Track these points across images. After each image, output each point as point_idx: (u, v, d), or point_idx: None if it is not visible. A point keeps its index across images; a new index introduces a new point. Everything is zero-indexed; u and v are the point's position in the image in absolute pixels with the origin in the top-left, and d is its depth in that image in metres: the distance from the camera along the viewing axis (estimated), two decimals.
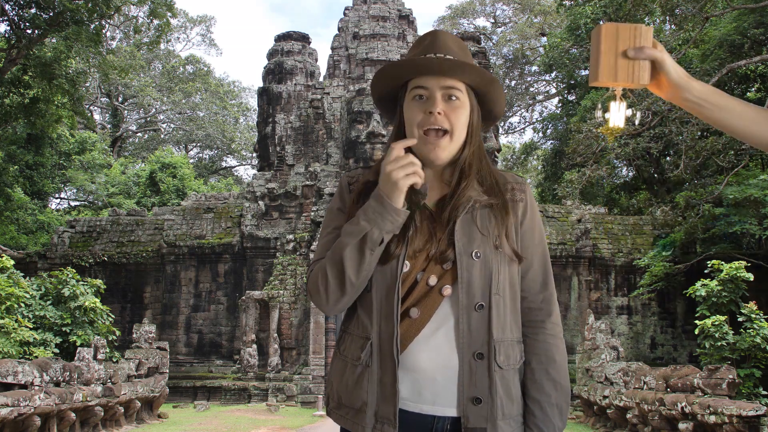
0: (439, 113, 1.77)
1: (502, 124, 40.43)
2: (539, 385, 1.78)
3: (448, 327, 1.74)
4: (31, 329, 12.31)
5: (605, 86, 1.62)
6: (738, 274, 12.34)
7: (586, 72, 28.03)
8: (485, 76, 1.82)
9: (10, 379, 8.29)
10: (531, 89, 42.53)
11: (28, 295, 12.91)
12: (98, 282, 14.73)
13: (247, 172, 46.93)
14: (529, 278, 1.85)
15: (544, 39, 36.24)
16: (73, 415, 9.45)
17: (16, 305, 12.30)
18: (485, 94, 1.87)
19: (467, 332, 1.72)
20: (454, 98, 1.80)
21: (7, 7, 17.24)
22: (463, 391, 1.71)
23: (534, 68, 40.35)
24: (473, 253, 1.74)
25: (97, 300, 13.84)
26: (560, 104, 34.78)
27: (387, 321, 1.73)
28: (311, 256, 18.39)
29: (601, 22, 22.97)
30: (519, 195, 1.85)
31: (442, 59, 1.77)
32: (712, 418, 8.44)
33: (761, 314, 11.54)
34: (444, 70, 1.78)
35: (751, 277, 12.38)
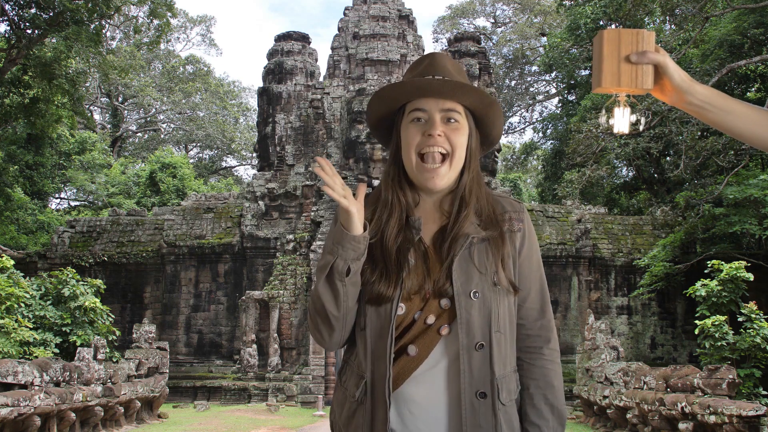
0: (439, 135, 1.76)
1: None
2: (539, 411, 1.80)
3: (444, 365, 1.75)
4: (31, 329, 12.31)
5: (609, 92, 1.61)
6: (738, 274, 12.33)
7: (586, 72, 28.03)
8: (485, 99, 1.81)
9: (10, 379, 8.29)
10: (531, 89, 42.55)
11: (28, 295, 12.90)
12: (98, 282, 14.72)
13: (247, 172, 46.98)
14: (527, 306, 1.85)
15: (544, 39, 36.23)
16: (73, 415, 9.45)
17: (16, 305, 12.30)
18: (484, 117, 1.86)
19: (468, 372, 1.71)
20: (453, 121, 1.79)
21: (7, 7, 17.24)
22: (466, 430, 1.71)
23: (534, 68, 40.35)
24: (471, 293, 1.73)
25: (97, 300, 13.84)
26: (560, 104, 34.77)
27: (380, 362, 1.74)
28: (311, 256, 18.40)
29: (602, 23, 22.99)
30: (517, 225, 1.84)
31: (442, 80, 1.76)
32: (712, 418, 8.44)
33: (761, 314, 11.53)
34: (444, 91, 1.77)
35: (751, 277, 12.37)
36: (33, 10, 17.22)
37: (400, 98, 1.83)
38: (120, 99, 40.70)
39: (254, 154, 33.36)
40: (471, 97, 1.80)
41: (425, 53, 1.94)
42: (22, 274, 13.53)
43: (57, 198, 35.16)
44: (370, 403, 1.75)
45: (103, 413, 10.51)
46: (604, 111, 1.75)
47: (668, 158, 23.61)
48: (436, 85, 1.77)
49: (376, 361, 1.75)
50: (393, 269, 1.75)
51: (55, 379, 9.22)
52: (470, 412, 1.71)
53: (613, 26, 21.91)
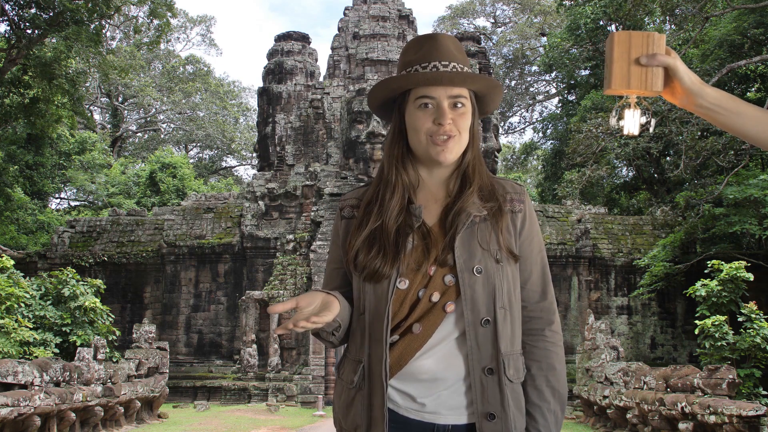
0: (449, 123, 1.78)
1: (502, 124, 40.42)
2: (540, 392, 1.81)
3: (450, 341, 1.76)
4: (31, 329, 12.30)
5: (619, 94, 1.62)
6: (738, 274, 12.32)
7: (586, 72, 28.02)
8: (491, 83, 1.84)
9: (10, 379, 8.29)
10: (531, 89, 42.56)
11: (28, 295, 12.90)
12: (98, 282, 14.72)
13: (247, 172, 46.98)
14: (528, 288, 1.86)
15: (544, 39, 36.23)
16: (73, 415, 9.45)
17: (16, 305, 12.30)
18: (485, 96, 1.89)
19: (475, 348, 1.73)
20: (460, 105, 1.81)
21: (7, 7, 17.24)
22: (477, 407, 1.72)
23: (534, 68, 40.36)
24: (474, 269, 1.74)
25: (97, 300, 13.84)
26: (560, 104, 34.78)
27: (377, 345, 1.74)
28: (311, 256, 18.40)
29: (602, 23, 22.95)
30: (518, 206, 1.86)
31: (452, 74, 1.78)
32: (712, 418, 8.44)
33: (761, 314, 11.53)
34: (456, 81, 1.80)
35: (751, 277, 12.37)
36: (33, 10, 17.22)
37: (408, 86, 1.84)
38: (120, 99, 40.70)
39: (254, 154, 33.36)
40: (479, 83, 1.83)
41: (425, 34, 2.03)
42: (22, 274, 13.53)
43: (57, 198, 35.19)
44: (368, 388, 1.76)
45: (103, 413, 10.51)
46: (614, 113, 1.76)
47: (668, 158, 23.61)
48: (446, 78, 1.78)
49: (374, 344, 1.75)
50: (391, 249, 1.76)
51: (55, 379, 9.22)
52: (479, 388, 1.72)
53: (613, 26, 21.92)
